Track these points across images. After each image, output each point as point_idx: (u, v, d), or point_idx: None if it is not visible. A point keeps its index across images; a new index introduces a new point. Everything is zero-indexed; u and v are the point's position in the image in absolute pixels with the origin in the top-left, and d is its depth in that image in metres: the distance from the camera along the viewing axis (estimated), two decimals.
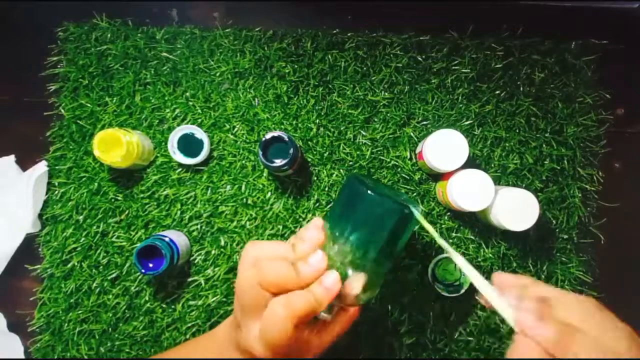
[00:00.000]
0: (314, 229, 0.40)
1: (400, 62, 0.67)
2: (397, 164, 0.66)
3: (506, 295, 0.37)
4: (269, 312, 0.36)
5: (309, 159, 0.66)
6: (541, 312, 0.33)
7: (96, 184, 0.66)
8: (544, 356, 0.32)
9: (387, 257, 0.44)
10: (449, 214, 0.66)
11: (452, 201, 0.57)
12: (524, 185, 0.66)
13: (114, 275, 0.65)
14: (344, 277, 0.41)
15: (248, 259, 0.39)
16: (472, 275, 0.39)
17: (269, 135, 0.58)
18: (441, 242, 0.43)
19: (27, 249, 0.66)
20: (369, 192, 0.43)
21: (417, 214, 0.44)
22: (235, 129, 0.67)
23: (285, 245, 0.40)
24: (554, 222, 0.66)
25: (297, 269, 0.37)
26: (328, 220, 0.45)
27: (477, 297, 0.39)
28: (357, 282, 0.41)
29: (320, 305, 0.37)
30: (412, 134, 0.66)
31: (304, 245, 0.39)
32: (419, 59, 0.67)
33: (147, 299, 0.65)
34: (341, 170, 0.66)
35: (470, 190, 0.57)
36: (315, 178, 0.66)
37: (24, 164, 0.67)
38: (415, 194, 0.66)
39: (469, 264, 0.40)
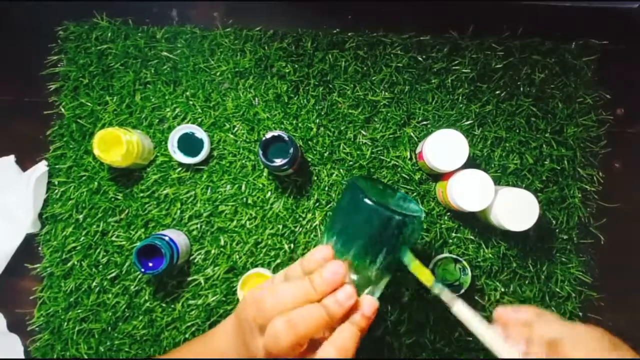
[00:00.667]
0: (325, 259, 0.38)
1: (401, 62, 0.67)
2: (397, 164, 0.66)
3: (512, 337, 0.36)
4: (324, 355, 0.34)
5: (309, 159, 0.66)
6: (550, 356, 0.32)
7: (96, 183, 0.66)
8: None
9: (390, 263, 0.43)
10: (449, 214, 0.66)
11: (452, 201, 0.57)
12: (524, 185, 0.66)
13: (113, 275, 0.65)
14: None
15: (271, 313, 0.36)
16: (475, 326, 0.37)
17: (269, 135, 0.58)
18: (436, 286, 0.41)
19: (27, 248, 0.66)
20: (367, 201, 0.41)
21: (407, 255, 0.43)
22: (236, 129, 0.67)
23: (303, 282, 0.37)
24: (554, 222, 0.66)
25: (329, 310, 0.35)
26: (328, 229, 0.44)
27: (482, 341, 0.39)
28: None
29: (363, 332, 0.36)
30: (412, 134, 0.66)
31: (324, 282, 0.36)
32: (420, 58, 0.67)
33: (146, 298, 0.65)
34: (341, 170, 0.66)
35: (470, 190, 0.57)
36: (315, 178, 0.66)
37: (24, 163, 0.67)
38: (415, 194, 0.66)
39: (471, 311, 0.38)
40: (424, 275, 0.42)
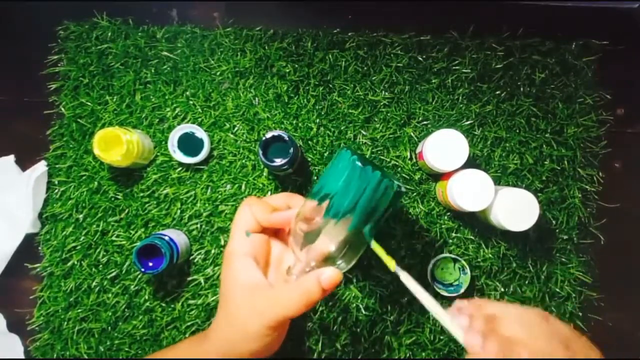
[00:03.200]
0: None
1: (401, 62, 0.67)
2: (397, 163, 0.66)
3: (460, 316, 0.39)
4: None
5: (309, 159, 0.66)
6: (487, 330, 0.36)
7: (96, 182, 0.66)
8: None
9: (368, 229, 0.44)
10: (449, 214, 0.66)
11: (452, 201, 0.57)
12: (524, 185, 0.66)
13: (113, 274, 0.65)
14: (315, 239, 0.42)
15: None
16: (428, 303, 0.41)
17: (269, 135, 0.58)
18: (386, 259, 0.44)
19: (27, 248, 0.66)
20: (358, 163, 0.42)
21: (372, 243, 0.45)
22: (236, 128, 0.67)
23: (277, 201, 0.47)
24: (554, 222, 0.66)
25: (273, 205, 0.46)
26: (316, 185, 0.45)
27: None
28: (329, 243, 0.43)
29: (268, 214, 0.44)
30: (412, 133, 0.66)
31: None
32: (420, 58, 0.67)
33: (146, 297, 0.65)
34: None
35: (470, 190, 0.57)
36: (315, 177, 0.66)
37: (24, 163, 0.67)
38: (415, 194, 0.66)
39: (421, 289, 0.42)
40: (382, 253, 0.45)
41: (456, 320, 0.39)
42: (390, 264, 0.44)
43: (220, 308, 0.44)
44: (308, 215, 0.43)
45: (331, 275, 0.40)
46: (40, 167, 0.66)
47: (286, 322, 0.42)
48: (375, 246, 0.44)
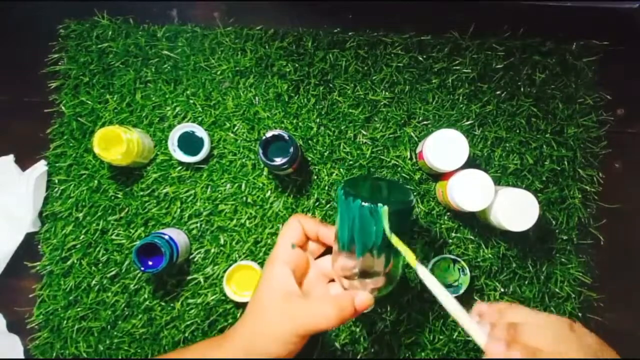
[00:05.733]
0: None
1: (401, 62, 0.67)
2: (397, 163, 0.66)
3: (482, 323, 0.38)
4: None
5: (309, 158, 0.66)
6: (509, 338, 0.35)
7: (96, 181, 0.66)
8: None
9: (391, 253, 0.46)
10: (448, 214, 0.66)
11: (452, 201, 0.57)
12: (524, 185, 0.66)
13: (113, 273, 0.65)
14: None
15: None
16: (451, 306, 0.39)
17: (269, 134, 0.58)
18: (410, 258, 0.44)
19: (27, 246, 0.66)
20: (343, 196, 0.45)
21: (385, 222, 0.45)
22: (236, 128, 0.67)
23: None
24: (554, 222, 0.66)
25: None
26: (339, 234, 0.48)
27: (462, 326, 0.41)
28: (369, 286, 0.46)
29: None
30: (412, 133, 0.66)
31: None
32: (420, 58, 0.67)
33: (146, 296, 0.65)
34: (341, 170, 0.66)
35: (470, 190, 0.57)
36: (315, 177, 0.66)
37: (24, 163, 0.67)
38: (415, 194, 0.66)
39: (446, 293, 0.40)
40: (402, 247, 0.44)
41: (480, 327, 0.37)
42: (412, 259, 0.44)
43: (249, 308, 0.45)
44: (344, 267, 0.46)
45: (364, 299, 0.43)
46: (40, 167, 0.66)
47: (312, 333, 0.42)
48: (395, 241, 0.45)
